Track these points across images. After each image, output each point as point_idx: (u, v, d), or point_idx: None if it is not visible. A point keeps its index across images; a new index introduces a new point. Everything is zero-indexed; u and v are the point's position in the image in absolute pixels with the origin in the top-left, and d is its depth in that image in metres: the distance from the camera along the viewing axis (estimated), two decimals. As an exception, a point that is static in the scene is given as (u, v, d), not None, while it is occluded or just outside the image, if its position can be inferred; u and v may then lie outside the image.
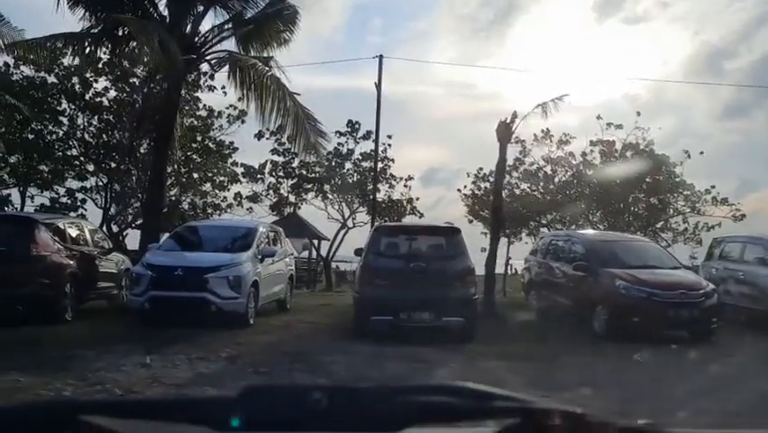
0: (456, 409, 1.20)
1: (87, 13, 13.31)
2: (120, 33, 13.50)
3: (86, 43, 13.42)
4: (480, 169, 24.02)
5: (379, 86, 21.67)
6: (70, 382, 6.44)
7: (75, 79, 19.98)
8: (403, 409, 1.18)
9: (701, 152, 25.51)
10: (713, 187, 22.64)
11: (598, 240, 13.25)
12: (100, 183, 21.51)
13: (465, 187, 24.75)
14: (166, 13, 13.94)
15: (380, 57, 21.84)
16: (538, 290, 13.49)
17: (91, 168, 21.22)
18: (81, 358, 7.60)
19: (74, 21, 13.54)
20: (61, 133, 20.69)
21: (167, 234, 13.94)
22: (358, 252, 11.50)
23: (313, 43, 57.89)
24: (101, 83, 20.18)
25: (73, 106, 20.44)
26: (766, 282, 11.74)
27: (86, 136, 20.83)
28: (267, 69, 13.43)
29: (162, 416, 1.22)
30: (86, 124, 20.74)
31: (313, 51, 58.16)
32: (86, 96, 20.22)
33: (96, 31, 13.46)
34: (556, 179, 23.64)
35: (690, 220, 22.95)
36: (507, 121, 13.73)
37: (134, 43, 13.60)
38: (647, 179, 22.08)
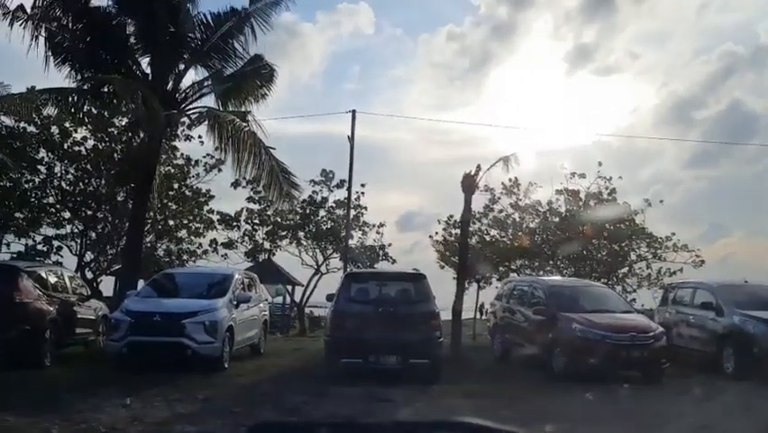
0: None
1: (74, 71, 13.98)
2: (105, 90, 14.15)
3: (71, 98, 14.02)
4: (451, 216, 24.80)
5: (351, 139, 22.50)
6: (56, 423, 6.84)
7: (54, 129, 20.42)
8: None
9: (661, 201, 26.61)
10: (673, 234, 23.69)
11: (556, 285, 13.96)
12: (76, 230, 21.73)
13: (437, 233, 25.47)
14: (149, 71, 14.67)
15: (353, 112, 22.76)
16: (502, 333, 14.07)
17: (67, 215, 21.43)
18: (64, 400, 7.97)
19: (58, 76, 14.21)
20: (38, 180, 20.98)
21: (142, 281, 14.39)
22: (330, 297, 12.04)
23: (292, 88, 59.17)
24: (80, 132, 20.62)
25: (51, 155, 20.80)
26: (712, 326, 12.50)
27: (63, 184, 21.10)
28: (244, 124, 14.14)
29: None
30: (63, 172, 21.06)
31: (291, 96, 59.40)
32: (65, 146, 20.63)
33: (81, 87, 14.08)
34: (524, 226, 24.47)
35: (653, 266, 23.89)
36: (472, 173, 14.54)
37: (117, 99, 14.21)
38: (608, 227, 23.01)
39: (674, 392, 10.06)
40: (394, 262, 26.11)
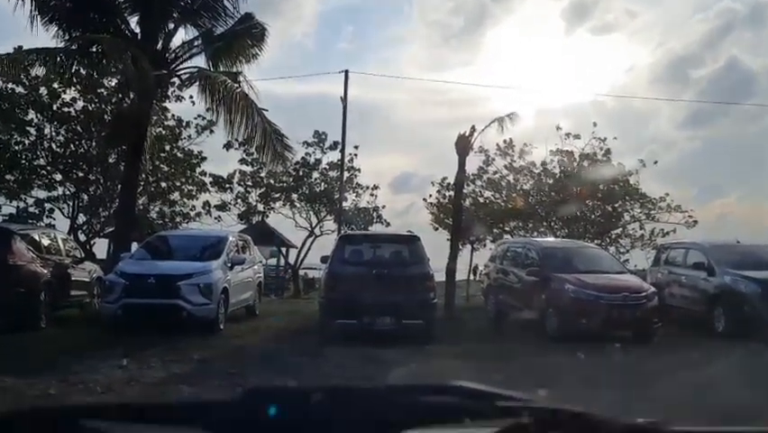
0: (458, 408, 1.19)
1: (61, 31, 13.70)
2: (93, 50, 13.89)
3: (59, 59, 13.77)
4: (445, 178, 24.75)
5: (344, 100, 22.28)
6: (53, 383, 6.89)
7: (43, 90, 20.16)
8: (404, 410, 1.18)
9: (655, 162, 26.70)
10: (667, 194, 23.79)
11: (550, 247, 14.03)
12: (67, 192, 21.64)
13: (431, 195, 25.47)
14: (138, 30, 14.39)
15: (346, 72, 22.49)
16: (496, 295, 14.17)
17: (58, 177, 21.33)
18: (60, 362, 8.02)
19: (45, 35, 13.94)
20: (28, 142, 20.79)
21: (136, 244, 14.38)
22: (324, 259, 12.10)
23: (284, 48, 58.30)
24: (69, 93, 20.38)
25: (41, 116, 20.59)
26: (704, 285, 12.63)
27: (54, 146, 20.95)
28: (236, 85, 13.95)
29: (163, 420, 1.22)
30: (53, 133, 20.88)
31: (283, 56, 58.61)
32: (54, 107, 20.40)
33: (69, 47, 13.82)
34: (518, 188, 24.48)
35: (646, 227, 24.02)
36: (466, 134, 14.46)
37: (106, 59, 13.98)
38: (602, 188, 23.05)
39: (665, 351, 10.20)
40: (388, 224, 26.17)
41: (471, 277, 23.41)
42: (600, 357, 9.29)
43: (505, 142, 23.41)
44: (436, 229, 24.71)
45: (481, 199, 24.49)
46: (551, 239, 19.62)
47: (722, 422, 1.63)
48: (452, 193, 23.41)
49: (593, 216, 23.92)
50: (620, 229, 24.21)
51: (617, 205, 23.70)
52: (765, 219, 41.46)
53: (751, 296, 11.59)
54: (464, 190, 18.96)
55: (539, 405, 1.25)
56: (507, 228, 24.23)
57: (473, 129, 14.68)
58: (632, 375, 8.09)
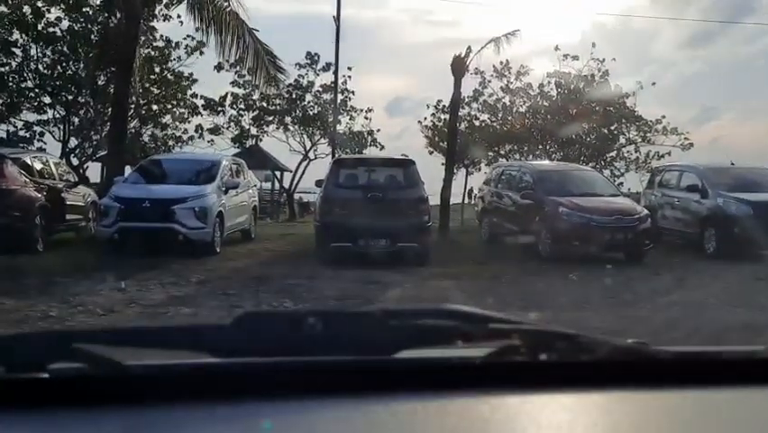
0: (451, 331, 1.20)
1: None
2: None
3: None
4: (440, 101, 24.45)
5: (337, 20, 21.70)
6: (53, 305, 6.99)
7: (26, 9, 19.54)
8: (398, 333, 1.19)
9: (653, 83, 26.36)
10: (663, 117, 23.64)
11: (544, 170, 14.04)
12: (58, 116, 21.34)
13: (425, 118, 25.22)
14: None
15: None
16: (490, 218, 14.25)
17: (47, 100, 20.98)
18: (59, 284, 8.12)
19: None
20: (14, 64, 20.33)
21: (129, 167, 14.29)
22: (318, 183, 12.09)
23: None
24: (54, 13, 19.78)
25: (26, 37, 20.04)
26: (696, 207, 12.73)
27: (41, 68, 20.50)
28: (225, 3, 13.52)
29: (158, 343, 1.23)
30: (39, 55, 20.40)
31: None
32: (39, 27, 19.82)
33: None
34: (515, 110, 24.25)
35: (641, 149, 24.00)
36: (462, 55, 14.18)
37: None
38: (598, 110, 22.84)
39: (655, 272, 10.39)
40: (382, 147, 25.96)
41: (466, 200, 23.50)
42: (592, 279, 9.48)
43: (501, 63, 23.06)
44: (431, 153, 24.65)
45: (477, 122, 24.30)
46: (545, 162, 19.60)
47: (710, 342, 1.67)
48: (447, 116, 23.25)
49: (588, 139, 23.82)
50: (615, 152, 24.20)
51: (612, 127, 23.58)
52: (761, 141, 41.34)
53: (742, 217, 11.69)
54: (460, 113, 18.77)
55: (530, 327, 1.26)
56: (502, 152, 24.15)
57: (469, 50, 14.41)
58: (623, 296, 8.26)
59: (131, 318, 6.67)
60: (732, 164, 14.11)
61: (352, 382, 1.10)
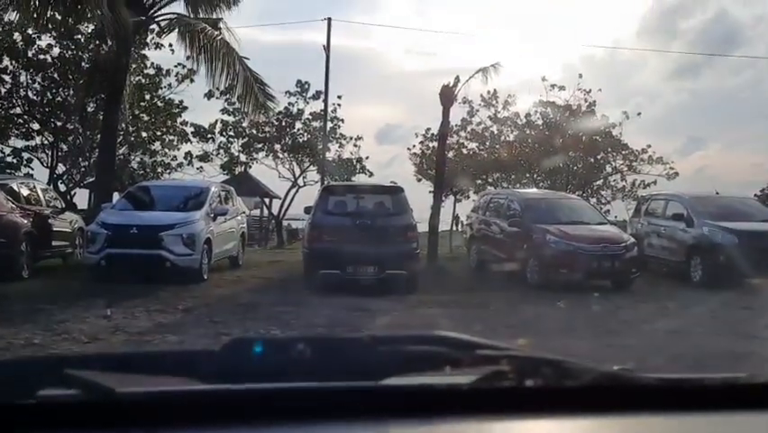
0: (438, 357, 1.20)
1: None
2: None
3: (33, 3, 13.32)
4: (429, 129, 24.66)
5: (327, 49, 21.92)
6: (37, 333, 6.91)
7: (17, 36, 19.61)
8: (386, 359, 1.19)
9: (639, 113, 26.61)
10: (649, 146, 23.97)
11: (532, 198, 14.14)
12: (46, 142, 21.28)
13: (414, 146, 25.41)
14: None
15: (329, 20, 22.06)
16: (478, 245, 14.29)
17: (36, 126, 20.95)
18: (44, 311, 8.01)
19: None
20: (4, 91, 20.33)
21: (117, 194, 14.24)
22: (307, 210, 12.10)
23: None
24: (44, 40, 19.86)
25: (16, 63, 20.08)
26: (682, 236, 12.84)
27: (30, 94, 20.51)
28: (216, 32, 13.64)
29: (149, 369, 1.23)
30: (29, 81, 20.43)
31: (266, 3, 57.10)
32: (30, 53, 19.88)
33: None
34: (502, 139, 24.48)
35: (627, 178, 24.26)
36: (450, 85, 14.35)
37: (81, 4, 13.55)
38: (584, 139, 23.11)
39: (642, 300, 10.45)
40: (371, 174, 26.05)
41: (454, 227, 23.56)
42: (579, 306, 9.51)
43: (489, 93, 23.36)
44: (419, 180, 24.80)
45: (465, 150, 24.49)
46: (533, 190, 19.75)
47: (694, 369, 1.69)
48: (435, 144, 23.43)
49: (575, 168, 24.06)
50: (602, 180, 24.45)
51: (599, 156, 23.85)
52: (747, 170, 41.91)
53: (727, 246, 11.79)
54: (448, 141, 18.93)
55: (517, 353, 1.28)
56: (490, 180, 24.32)
57: (457, 79, 14.59)
58: (609, 324, 8.29)
59: (116, 347, 6.59)
60: (717, 193, 14.28)
61: (340, 407, 1.10)
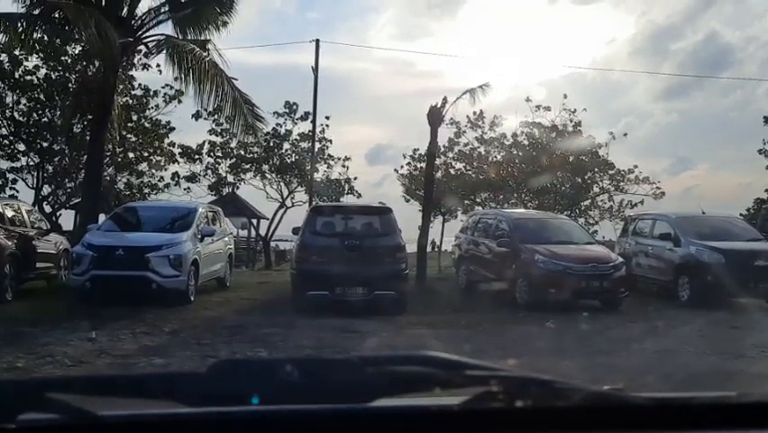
0: (428, 378, 1.19)
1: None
2: (56, 16, 13.46)
3: (20, 24, 13.30)
4: (416, 149, 24.78)
5: (316, 70, 22.02)
6: (20, 356, 6.79)
7: (3, 57, 19.57)
8: (374, 380, 1.17)
9: (625, 134, 27.01)
10: (636, 166, 24.22)
11: (520, 218, 14.16)
12: (31, 163, 21.15)
13: (402, 167, 25.50)
14: (102, -5, 13.94)
15: (317, 41, 22.18)
16: (467, 265, 14.29)
17: (22, 147, 20.83)
18: (28, 334, 7.91)
19: (5, 0, 13.42)
20: (-11, 111, 20.23)
21: (103, 215, 14.13)
22: (295, 230, 12.05)
23: (256, 17, 57.13)
24: (31, 61, 19.81)
25: (2, 84, 20.01)
26: (669, 256, 12.92)
27: (16, 115, 20.43)
28: (205, 53, 13.66)
29: (133, 392, 1.20)
30: (15, 102, 20.33)
31: (256, 25, 57.51)
32: (16, 75, 19.83)
33: (30, 12, 13.37)
34: (489, 160, 24.62)
35: (615, 198, 24.45)
36: (438, 106, 14.43)
37: (69, 26, 13.55)
38: (571, 159, 23.29)
39: (631, 320, 10.45)
40: (359, 195, 26.07)
41: (435, 249, 23.59)
42: (568, 326, 9.50)
43: (475, 113, 23.53)
44: (407, 201, 24.86)
45: (453, 171, 24.61)
46: (521, 210, 19.82)
47: (684, 388, 1.67)
48: (423, 164, 23.53)
49: (563, 188, 24.20)
50: (589, 201, 24.60)
51: (586, 177, 24.02)
52: (734, 190, 42.35)
53: (714, 265, 11.86)
54: (436, 162, 19.01)
55: (507, 373, 1.27)
56: (478, 200, 24.41)
57: (445, 100, 14.66)
58: (599, 344, 8.28)
59: (100, 370, 6.49)
60: (703, 213, 14.39)
61: (328, 430, 1.08)
